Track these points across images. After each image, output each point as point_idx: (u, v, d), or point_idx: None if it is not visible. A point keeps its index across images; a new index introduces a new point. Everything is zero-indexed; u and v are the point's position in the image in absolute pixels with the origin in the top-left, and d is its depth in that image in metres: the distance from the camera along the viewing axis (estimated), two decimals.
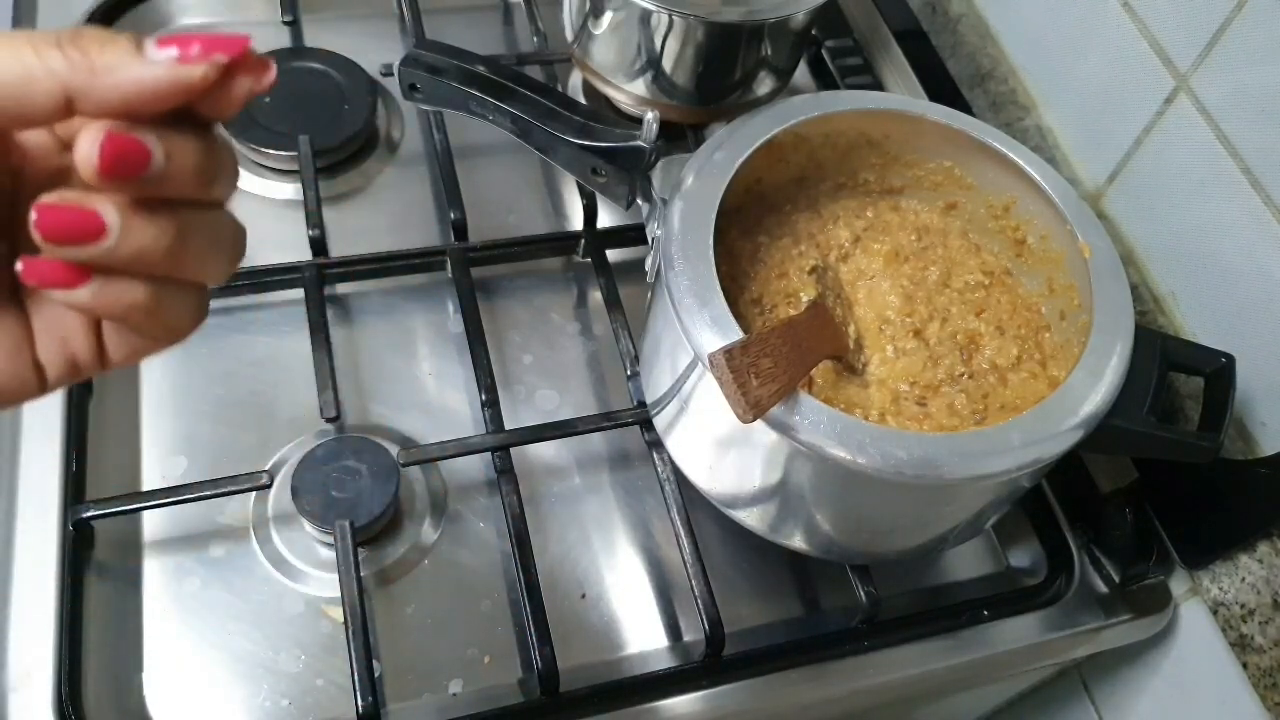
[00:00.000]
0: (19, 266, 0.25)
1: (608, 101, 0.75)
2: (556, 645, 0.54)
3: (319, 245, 0.66)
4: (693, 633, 0.59)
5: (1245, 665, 0.60)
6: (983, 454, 0.48)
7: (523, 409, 0.65)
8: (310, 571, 0.58)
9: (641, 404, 0.61)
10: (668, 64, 0.68)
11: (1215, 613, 0.62)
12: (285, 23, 0.78)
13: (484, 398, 0.62)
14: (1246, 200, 0.58)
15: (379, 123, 0.76)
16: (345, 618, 0.53)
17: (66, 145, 0.27)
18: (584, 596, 0.60)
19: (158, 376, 0.63)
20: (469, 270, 0.67)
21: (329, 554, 0.57)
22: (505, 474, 0.59)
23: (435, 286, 0.70)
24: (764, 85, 0.72)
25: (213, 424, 0.62)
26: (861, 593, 0.58)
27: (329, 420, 0.60)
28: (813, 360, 0.50)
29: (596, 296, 0.70)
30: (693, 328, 0.49)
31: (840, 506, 0.53)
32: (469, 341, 0.64)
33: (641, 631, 0.59)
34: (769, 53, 0.69)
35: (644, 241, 0.61)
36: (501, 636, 0.58)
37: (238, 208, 0.27)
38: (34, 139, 0.27)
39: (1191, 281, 0.63)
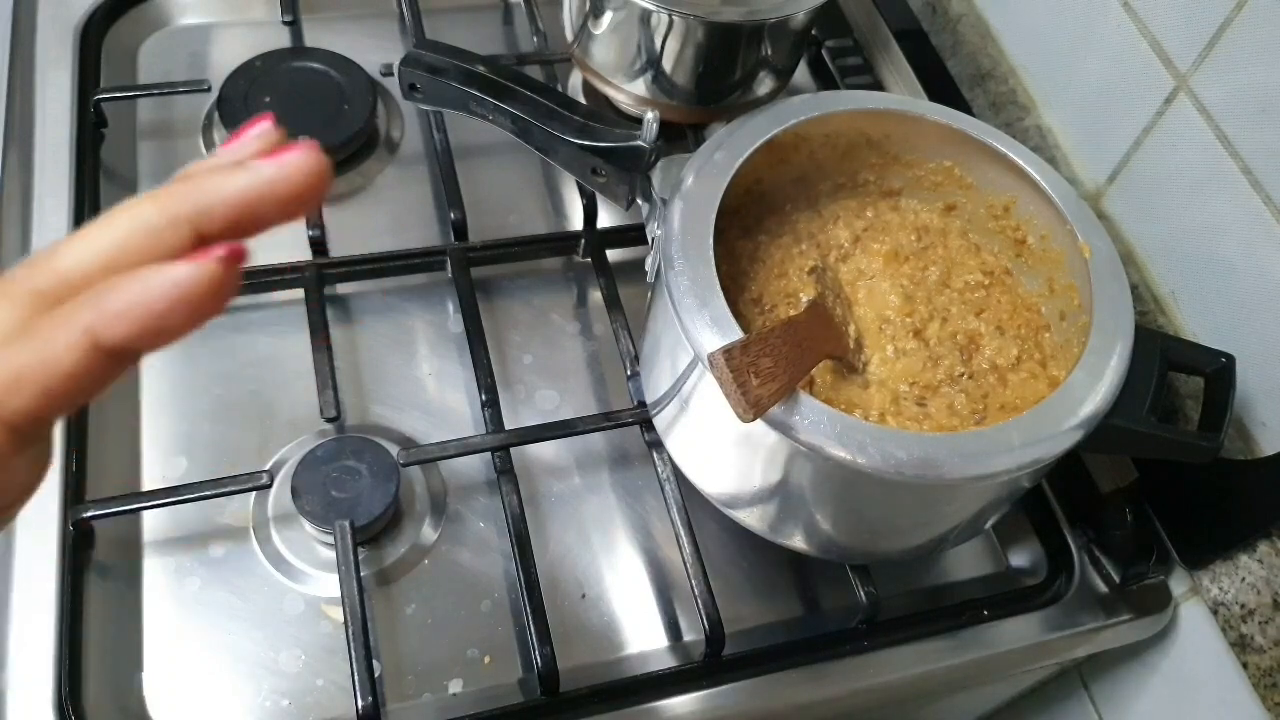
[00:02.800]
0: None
1: (608, 101, 0.75)
2: (556, 645, 0.54)
3: (319, 245, 0.66)
4: (693, 633, 0.59)
5: (1245, 665, 0.60)
6: (983, 454, 0.48)
7: (523, 409, 0.65)
8: (310, 571, 0.58)
9: (641, 404, 0.61)
10: (668, 64, 0.68)
11: (1215, 613, 0.62)
12: (285, 23, 0.78)
13: (484, 398, 0.62)
14: (1246, 200, 0.58)
15: (379, 123, 0.76)
16: (345, 618, 0.53)
17: None
18: (584, 596, 0.60)
19: (158, 376, 0.63)
20: (469, 270, 0.67)
21: (329, 554, 0.57)
22: (505, 474, 0.59)
23: (435, 286, 0.70)
24: (764, 85, 0.72)
25: (213, 424, 0.62)
26: (861, 593, 0.58)
27: (329, 420, 0.60)
28: (813, 360, 0.50)
29: (596, 296, 0.70)
30: (693, 328, 0.49)
31: (840, 506, 0.53)
32: (469, 341, 0.64)
33: (641, 631, 0.59)
34: (769, 53, 0.69)
35: (644, 241, 0.61)
36: (501, 636, 0.58)
37: None
38: None
39: (1191, 281, 0.63)
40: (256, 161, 0.26)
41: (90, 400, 0.24)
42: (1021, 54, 0.76)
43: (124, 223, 0.25)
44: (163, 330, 0.24)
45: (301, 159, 0.26)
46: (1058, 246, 0.58)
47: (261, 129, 0.27)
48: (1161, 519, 0.65)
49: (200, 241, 0.25)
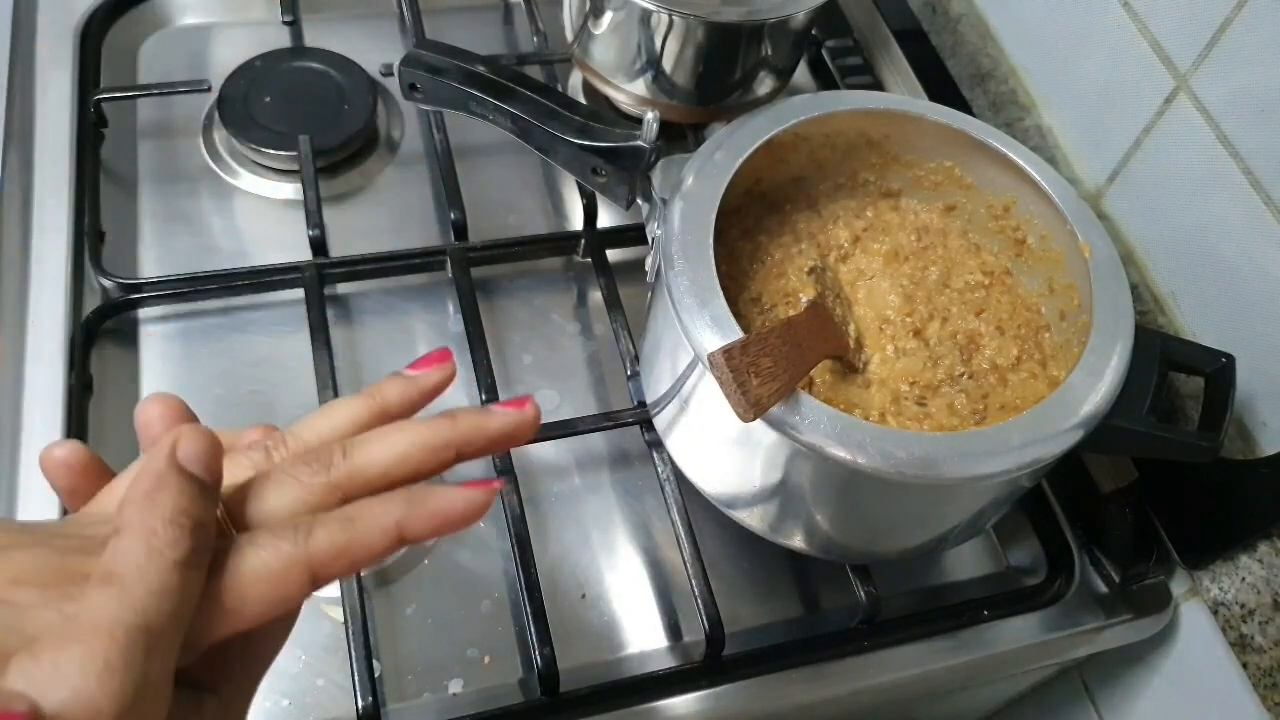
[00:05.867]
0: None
1: (608, 101, 0.75)
2: (556, 645, 0.54)
3: (319, 245, 0.66)
4: (693, 633, 0.59)
5: (1245, 665, 0.60)
6: (983, 454, 0.48)
7: None
8: None
9: (641, 404, 0.61)
10: (668, 64, 0.68)
11: (1215, 613, 0.62)
12: (285, 23, 0.78)
13: (484, 398, 0.62)
14: (1246, 200, 0.58)
15: (379, 123, 0.76)
16: (345, 618, 0.53)
17: None
18: (584, 596, 0.60)
19: (158, 376, 0.63)
20: (469, 270, 0.67)
21: None
22: (505, 474, 0.59)
23: (435, 286, 0.70)
24: (764, 85, 0.72)
25: (213, 424, 0.61)
26: (861, 593, 0.58)
27: None
28: (813, 360, 0.50)
29: (596, 296, 0.70)
30: (693, 327, 0.49)
31: (840, 506, 0.53)
32: (469, 341, 0.64)
33: (641, 631, 0.59)
34: (769, 53, 0.69)
35: (644, 241, 0.61)
36: (501, 636, 0.58)
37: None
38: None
39: (1191, 281, 0.63)
40: (504, 410, 0.34)
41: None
42: (1021, 54, 0.76)
43: (407, 442, 0.32)
44: (447, 531, 0.31)
45: (534, 412, 0.35)
46: (1058, 246, 0.58)
47: (444, 366, 0.36)
48: (1161, 519, 0.65)
49: (458, 458, 0.33)
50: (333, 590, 0.56)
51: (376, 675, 0.54)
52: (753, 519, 0.56)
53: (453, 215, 0.69)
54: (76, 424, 0.58)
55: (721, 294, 0.50)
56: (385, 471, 0.32)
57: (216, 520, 0.29)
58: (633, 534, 0.62)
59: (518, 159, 0.76)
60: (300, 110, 0.73)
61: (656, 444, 0.60)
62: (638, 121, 0.57)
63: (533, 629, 0.54)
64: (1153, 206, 0.65)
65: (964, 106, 0.80)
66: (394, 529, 0.30)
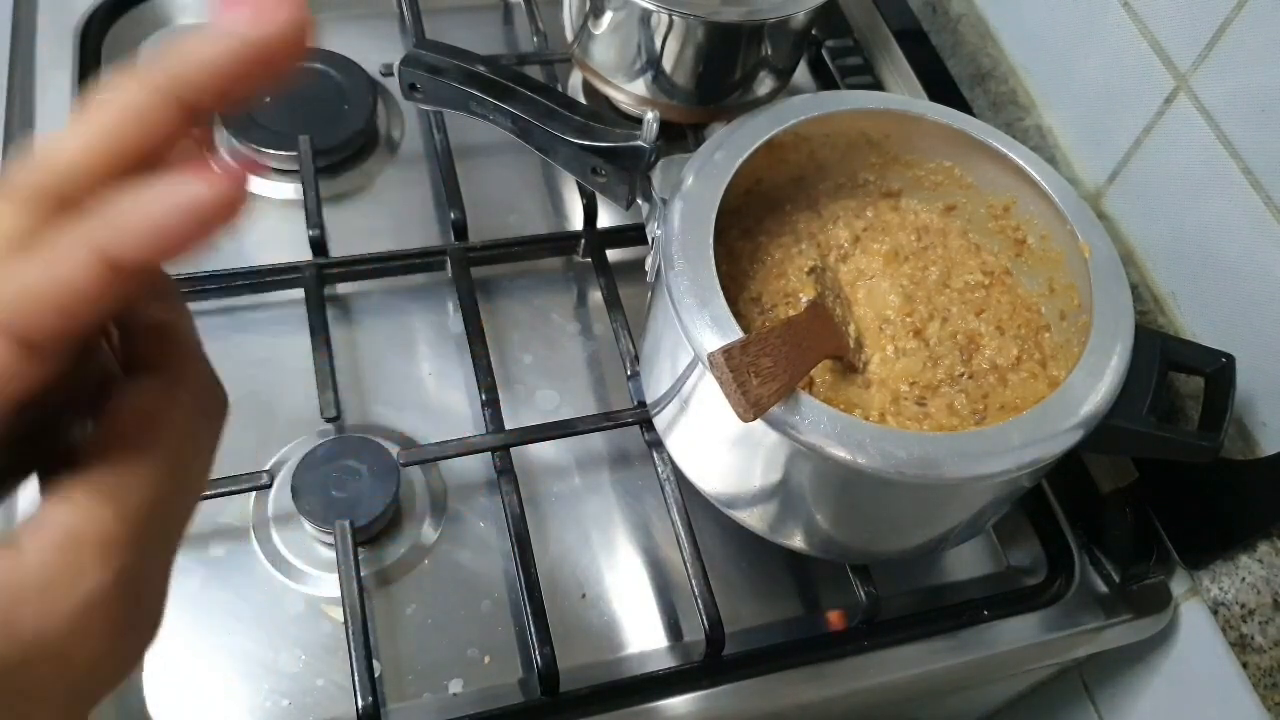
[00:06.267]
0: None
1: (608, 101, 0.75)
2: (556, 645, 0.54)
3: (319, 245, 0.66)
4: (693, 633, 0.59)
5: (1245, 665, 0.60)
6: (983, 454, 0.48)
7: (523, 409, 0.65)
8: (310, 571, 0.58)
9: (641, 404, 0.61)
10: (668, 64, 0.68)
11: (1215, 613, 0.62)
12: None
13: (484, 398, 0.62)
14: (1246, 200, 0.58)
15: (379, 123, 0.76)
16: (345, 618, 0.53)
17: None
18: (584, 596, 0.60)
19: None
20: (469, 270, 0.67)
21: (329, 554, 0.57)
22: (505, 474, 0.59)
23: (435, 286, 0.70)
24: (764, 85, 0.72)
25: None
26: (861, 593, 0.58)
27: (329, 420, 0.60)
28: (813, 360, 0.50)
29: (596, 296, 0.70)
30: (693, 327, 0.49)
31: (840, 506, 0.53)
32: (469, 341, 0.64)
33: (641, 631, 0.59)
34: (769, 53, 0.69)
35: (644, 241, 0.61)
36: (501, 636, 0.58)
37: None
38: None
39: (1191, 281, 0.63)
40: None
41: (116, 312, 0.23)
42: (1021, 54, 0.76)
43: (111, 108, 0.23)
44: (174, 248, 0.23)
45: (276, 11, 0.23)
46: (1058, 246, 0.58)
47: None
48: (1161, 519, 0.65)
49: (190, 116, 0.23)
50: (332, 590, 0.56)
51: (376, 675, 0.54)
52: (753, 519, 0.56)
53: (453, 215, 0.69)
54: None
55: (721, 294, 0.50)
56: (91, 164, 0.23)
57: None
58: (633, 534, 0.62)
59: (518, 159, 0.76)
60: (300, 110, 0.73)
61: (656, 444, 0.60)
62: (638, 121, 0.57)
63: (533, 629, 0.54)
64: (1153, 206, 0.65)
65: (964, 106, 0.80)
66: (94, 260, 0.22)
